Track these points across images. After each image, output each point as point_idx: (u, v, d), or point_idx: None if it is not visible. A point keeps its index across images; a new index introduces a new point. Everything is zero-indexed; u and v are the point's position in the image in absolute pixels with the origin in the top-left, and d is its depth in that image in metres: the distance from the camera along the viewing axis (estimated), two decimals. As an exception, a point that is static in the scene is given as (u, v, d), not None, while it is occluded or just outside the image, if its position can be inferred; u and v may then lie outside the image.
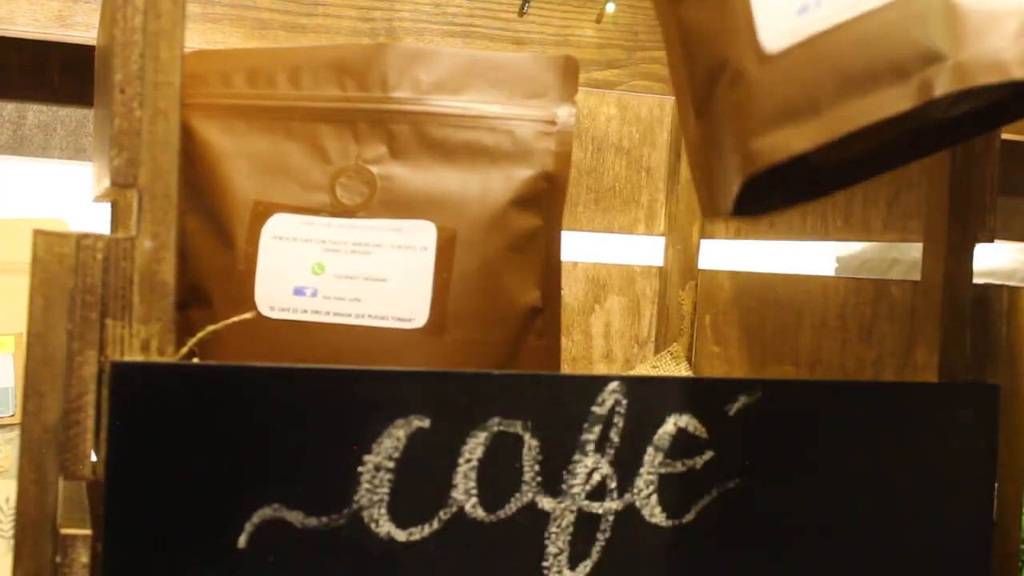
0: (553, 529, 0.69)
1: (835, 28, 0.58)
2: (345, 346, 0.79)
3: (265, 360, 0.76)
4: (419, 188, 0.81)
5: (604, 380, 0.69)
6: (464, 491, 0.67)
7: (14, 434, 0.88)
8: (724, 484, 0.72)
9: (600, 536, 0.69)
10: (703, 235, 1.21)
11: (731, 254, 1.25)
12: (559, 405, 0.68)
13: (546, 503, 0.68)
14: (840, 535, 0.74)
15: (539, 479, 0.68)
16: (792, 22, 0.59)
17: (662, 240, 1.23)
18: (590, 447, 0.69)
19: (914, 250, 0.87)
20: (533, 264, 0.81)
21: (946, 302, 0.80)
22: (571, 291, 1.20)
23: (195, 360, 0.69)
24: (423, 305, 0.79)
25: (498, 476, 0.67)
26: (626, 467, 0.70)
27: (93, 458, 0.63)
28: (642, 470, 0.70)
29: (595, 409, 0.69)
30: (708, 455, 0.71)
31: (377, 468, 0.65)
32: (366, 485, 0.65)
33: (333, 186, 0.81)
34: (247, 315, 0.75)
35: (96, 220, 1.12)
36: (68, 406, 0.62)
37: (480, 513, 0.67)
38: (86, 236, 0.63)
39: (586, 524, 0.69)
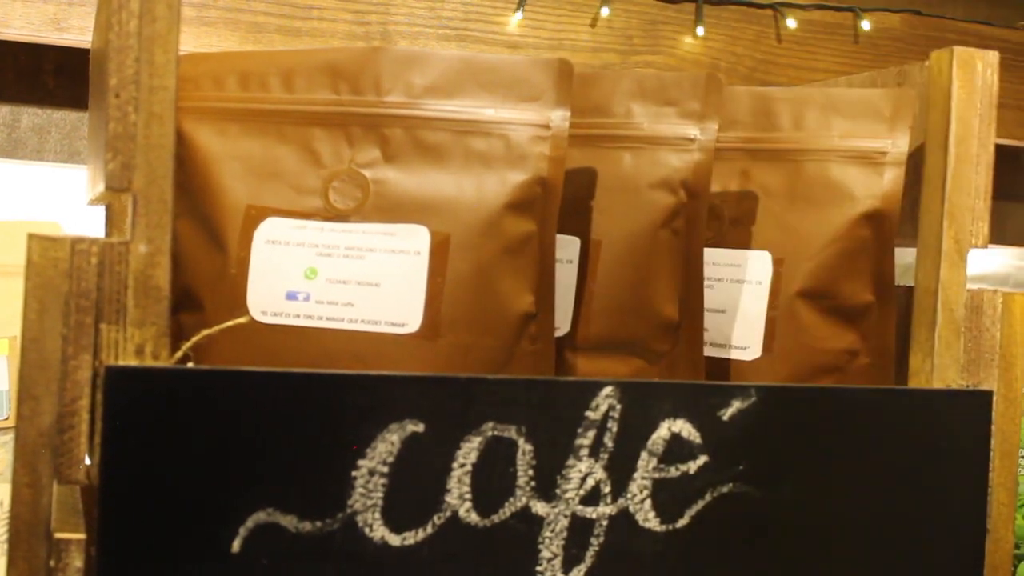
0: (547, 534, 0.69)
1: None
2: (338, 351, 0.78)
3: (258, 365, 0.76)
4: (413, 192, 0.80)
5: (598, 385, 0.69)
6: (458, 496, 0.67)
7: (8, 437, 0.88)
8: (718, 489, 0.72)
9: (594, 541, 0.70)
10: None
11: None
12: (553, 410, 0.68)
13: (540, 508, 0.68)
14: (834, 540, 0.74)
15: (533, 484, 0.68)
16: None
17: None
18: (584, 452, 0.69)
19: (908, 255, 0.87)
20: (527, 269, 0.81)
21: (940, 308, 0.81)
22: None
23: (189, 365, 0.69)
24: (416, 310, 0.79)
25: (492, 481, 0.67)
26: (620, 472, 0.70)
27: (87, 462, 0.63)
28: (636, 475, 0.70)
29: (589, 414, 0.69)
30: (702, 460, 0.71)
31: (371, 473, 0.65)
32: (360, 490, 0.65)
33: (326, 190, 0.81)
34: (242, 319, 0.75)
35: (91, 223, 1.12)
36: (62, 410, 0.62)
37: (474, 518, 0.67)
38: (81, 240, 0.63)
39: (580, 529, 0.69)
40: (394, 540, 0.66)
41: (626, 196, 0.88)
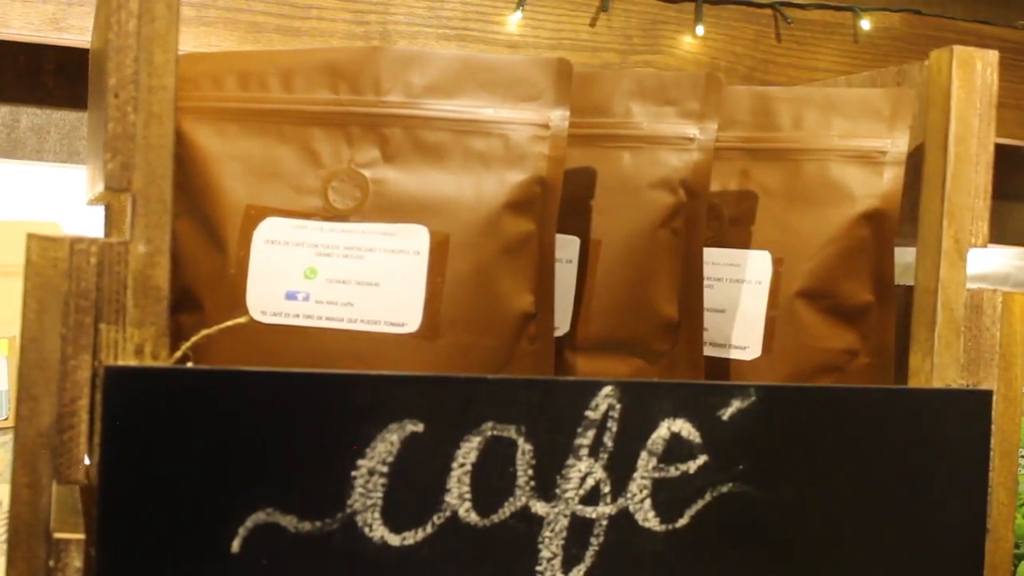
0: (546, 534, 0.69)
1: None
2: (337, 351, 0.78)
3: (257, 365, 0.76)
4: (412, 192, 0.80)
5: (598, 384, 0.69)
6: (458, 495, 0.67)
7: (8, 437, 0.88)
8: (718, 489, 0.72)
9: (593, 541, 0.70)
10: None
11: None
12: (553, 409, 0.68)
13: (539, 508, 0.68)
14: (833, 540, 0.74)
15: (532, 483, 0.68)
16: None
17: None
18: (584, 451, 0.69)
19: (908, 255, 0.87)
20: (527, 269, 0.81)
21: (940, 307, 0.80)
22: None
23: (188, 365, 0.69)
24: (416, 309, 0.79)
25: (492, 480, 0.67)
26: (620, 472, 0.70)
27: (87, 462, 0.63)
28: (636, 475, 0.70)
29: (589, 413, 0.69)
30: (702, 460, 0.71)
31: (371, 472, 0.65)
32: (360, 490, 0.65)
33: (325, 190, 0.80)
34: (241, 319, 0.75)
35: (90, 223, 1.12)
36: (62, 410, 0.62)
37: (474, 517, 0.67)
38: (80, 240, 0.63)
39: (579, 529, 0.69)
40: (394, 540, 0.66)
41: (626, 196, 0.88)
